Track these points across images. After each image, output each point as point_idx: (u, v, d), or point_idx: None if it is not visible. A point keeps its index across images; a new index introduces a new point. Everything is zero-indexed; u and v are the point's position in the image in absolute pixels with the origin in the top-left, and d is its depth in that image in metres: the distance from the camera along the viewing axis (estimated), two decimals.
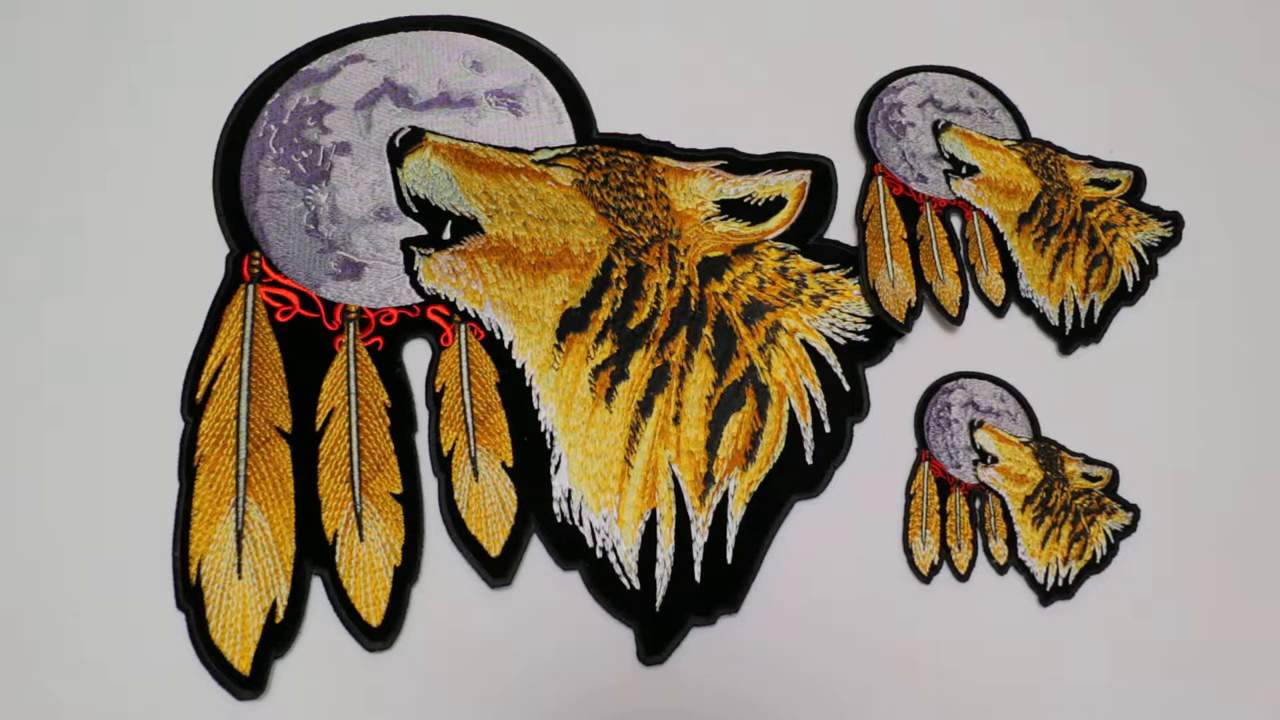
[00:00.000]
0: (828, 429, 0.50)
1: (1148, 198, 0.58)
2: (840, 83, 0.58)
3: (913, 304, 0.52)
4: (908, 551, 0.49)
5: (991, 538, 0.50)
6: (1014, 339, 0.54)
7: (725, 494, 0.48)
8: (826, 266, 0.52)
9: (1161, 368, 0.55)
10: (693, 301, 0.50)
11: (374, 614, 0.44)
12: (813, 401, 0.50)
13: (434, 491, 0.46)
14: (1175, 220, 0.58)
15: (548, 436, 0.47)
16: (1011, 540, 0.50)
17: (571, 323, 0.49)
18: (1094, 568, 0.50)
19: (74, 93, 0.53)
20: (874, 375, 0.51)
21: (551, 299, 0.49)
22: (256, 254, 0.49)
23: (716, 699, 0.45)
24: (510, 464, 0.47)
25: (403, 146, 0.51)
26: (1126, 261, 0.56)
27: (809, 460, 0.49)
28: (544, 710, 0.44)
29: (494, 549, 0.45)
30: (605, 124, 0.54)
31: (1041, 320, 0.54)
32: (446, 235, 0.50)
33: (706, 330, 0.50)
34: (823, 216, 0.53)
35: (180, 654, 0.42)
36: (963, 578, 0.49)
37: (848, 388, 0.50)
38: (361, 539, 0.45)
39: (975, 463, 0.51)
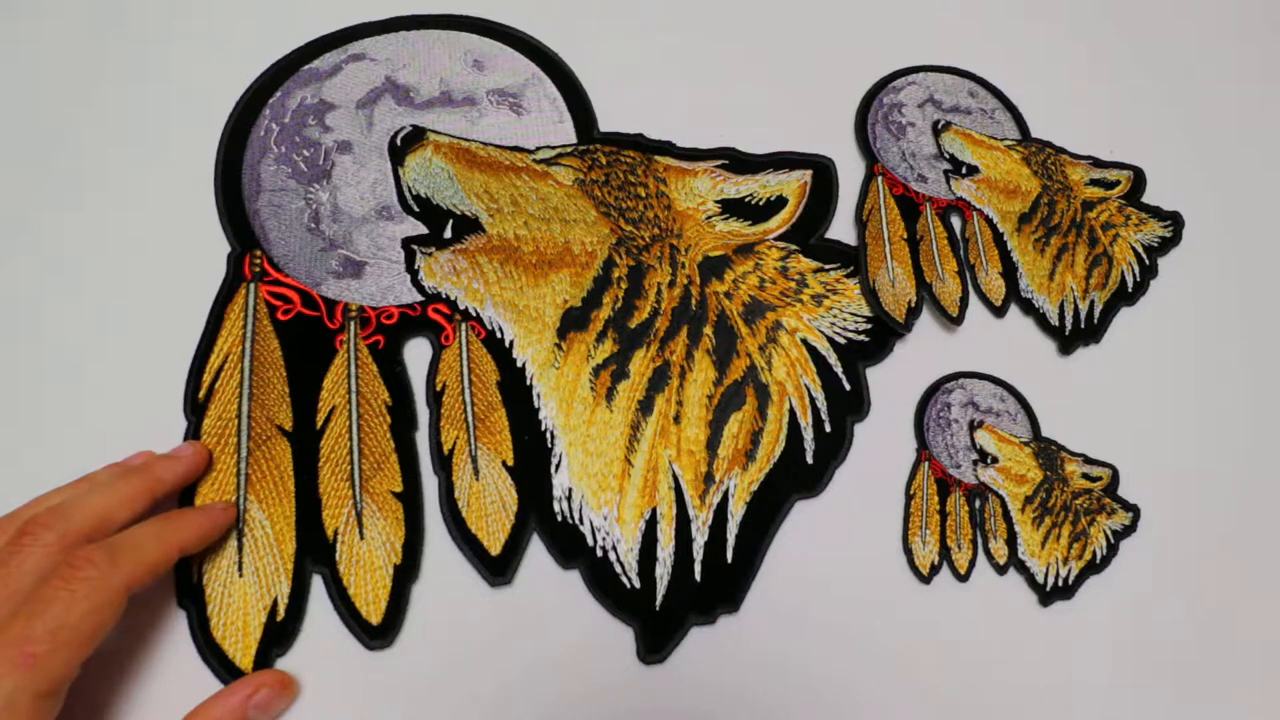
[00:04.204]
0: (828, 428, 0.50)
1: (1148, 198, 0.58)
2: (840, 83, 0.58)
3: (913, 304, 0.52)
4: (908, 551, 0.49)
5: (991, 538, 0.50)
6: (1014, 339, 0.54)
7: (726, 493, 0.48)
8: (827, 266, 0.52)
9: (1161, 368, 0.55)
10: (693, 301, 0.50)
11: (374, 612, 0.44)
12: (813, 401, 0.50)
13: (434, 490, 0.46)
14: (1175, 220, 0.58)
15: (548, 435, 0.47)
16: (1011, 540, 0.50)
17: (572, 322, 0.49)
18: (1094, 568, 0.50)
19: (74, 93, 0.53)
20: (874, 375, 0.51)
21: (552, 298, 0.49)
22: (258, 252, 0.49)
23: (716, 699, 0.45)
24: (511, 463, 0.47)
25: (404, 145, 0.51)
26: (1126, 261, 0.56)
27: (809, 460, 0.49)
28: (544, 709, 0.44)
29: (494, 548, 0.45)
30: (606, 123, 0.54)
31: (1041, 320, 0.54)
32: (448, 234, 0.50)
33: (707, 329, 0.50)
34: (823, 216, 0.54)
35: (182, 652, 0.43)
36: (963, 578, 0.49)
37: (848, 387, 0.51)
38: (362, 537, 0.45)
39: (975, 463, 0.51)
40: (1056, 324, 0.54)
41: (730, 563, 0.47)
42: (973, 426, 0.51)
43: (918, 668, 0.47)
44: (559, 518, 0.46)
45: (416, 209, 0.51)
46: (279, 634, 0.43)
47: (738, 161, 0.54)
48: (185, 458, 0.44)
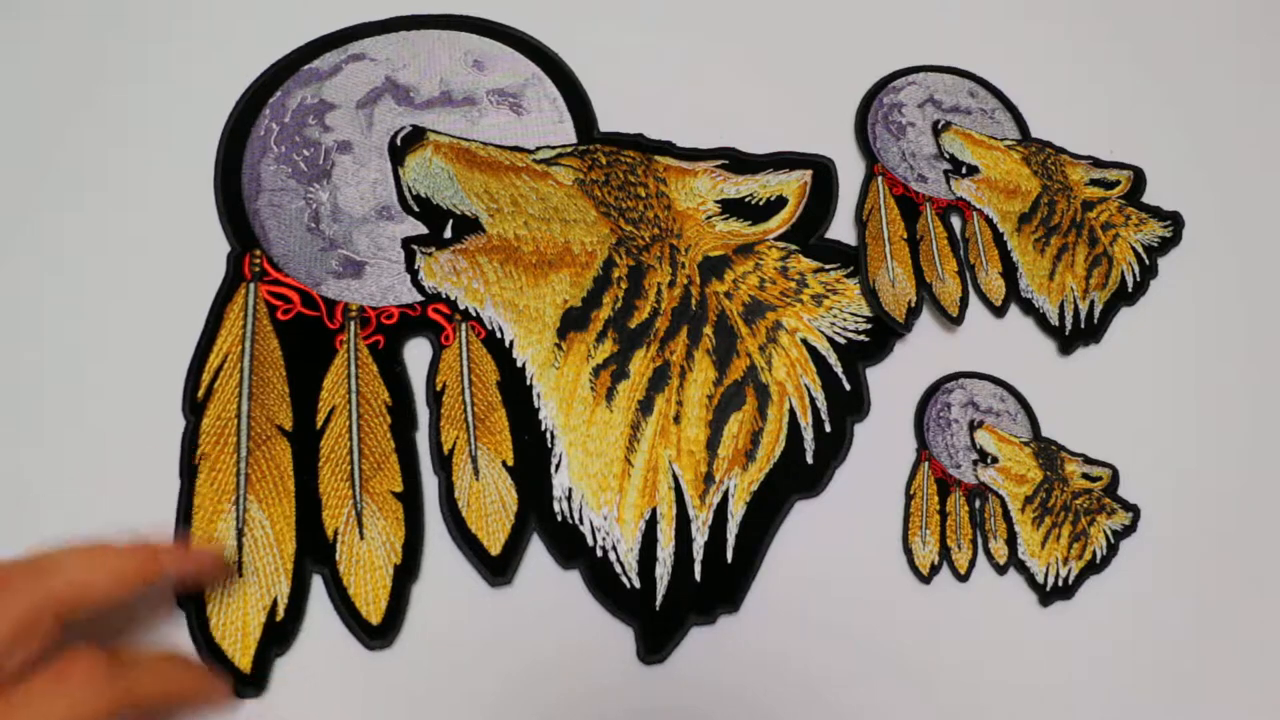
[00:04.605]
0: (828, 428, 0.50)
1: (1148, 198, 0.58)
2: (840, 83, 0.58)
3: (913, 304, 0.52)
4: (908, 551, 0.49)
5: (991, 538, 0.50)
6: (1014, 339, 0.54)
7: (725, 493, 0.48)
8: (827, 266, 0.52)
9: (1161, 368, 0.55)
10: (693, 301, 0.50)
11: (374, 612, 0.44)
12: (813, 401, 0.50)
13: (434, 490, 0.46)
14: (1175, 220, 0.58)
15: (548, 435, 0.47)
16: (1011, 540, 0.50)
17: (572, 322, 0.49)
18: (1094, 568, 0.50)
19: (74, 93, 0.53)
20: (874, 375, 0.51)
21: (552, 298, 0.49)
22: (258, 252, 0.49)
23: (716, 699, 0.45)
24: (511, 463, 0.47)
25: (404, 145, 0.51)
26: (1126, 261, 0.56)
27: (809, 460, 0.49)
28: (544, 709, 0.44)
29: (494, 548, 0.45)
30: (606, 123, 0.54)
31: (1041, 320, 0.54)
32: (448, 234, 0.50)
33: (707, 329, 0.50)
34: (823, 216, 0.54)
35: (181, 652, 0.42)
36: (963, 578, 0.49)
37: (848, 387, 0.51)
38: (362, 537, 0.45)
39: (975, 463, 0.51)
40: (1056, 324, 0.54)
41: (730, 563, 0.47)
42: (973, 426, 0.51)
43: (918, 668, 0.47)
44: (559, 518, 0.46)
45: (416, 209, 0.51)
46: (279, 634, 0.43)
47: (738, 161, 0.54)
48: (198, 557, 0.41)
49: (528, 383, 0.48)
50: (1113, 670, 0.48)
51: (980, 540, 0.50)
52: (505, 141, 0.53)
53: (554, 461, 0.47)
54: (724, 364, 0.49)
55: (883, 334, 0.52)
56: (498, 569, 0.45)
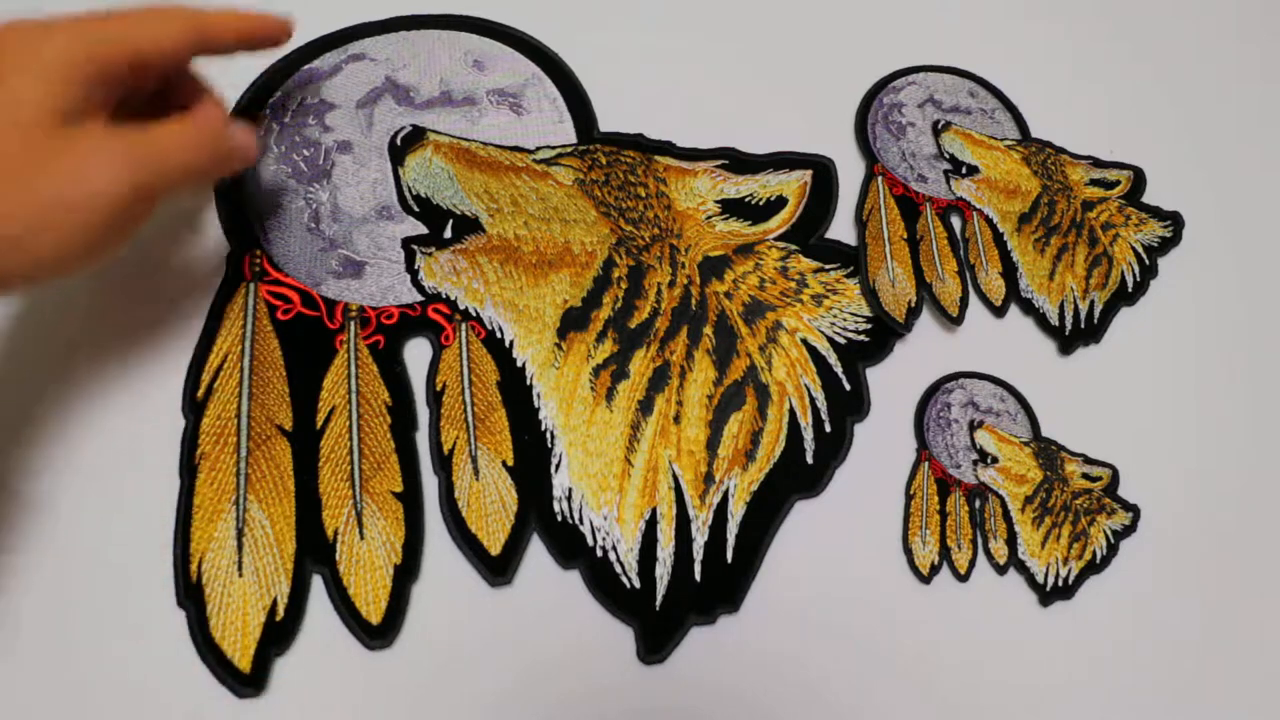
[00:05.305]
0: (828, 428, 0.50)
1: (1148, 198, 0.58)
2: (840, 83, 0.58)
3: (913, 304, 0.52)
4: (908, 551, 0.49)
5: (991, 538, 0.50)
6: (1014, 339, 0.54)
7: (726, 493, 0.48)
8: (827, 266, 0.52)
9: (1161, 368, 0.55)
10: (694, 301, 0.50)
11: (374, 612, 0.44)
12: (813, 401, 0.50)
13: (434, 490, 0.46)
14: (1175, 220, 0.58)
15: (548, 435, 0.47)
16: (1011, 540, 0.50)
17: (572, 322, 0.49)
18: (1094, 568, 0.50)
19: None
20: (874, 375, 0.51)
21: (552, 298, 0.49)
22: (258, 252, 0.49)
23: (716, 699, 0.45)
24: (511, 463, 0.47)
25: (404, 145, 0.51)
26: (1126, 261, 0.56)
27: (809, 460, 0.49)
28: (544, 709, 0.44)
29: (494, 548, 0.45)
30: (606, 123, 0.54)
31: (1041, 320, 0.54)
32: (448, 234, 0.50)
33: (707, 329, 0.50)
34: (823, 216, 0.54)
35: (181, 652, 0.42)
36: (963, 578, 0.49)
37: (848, 387, 0.51)
38: (362, 537, 0.45)
39: (975, 463, 0.51)
40: (1056, 324, 0.54)
41: (730, 563, 0.47)
42: (973, 426, 0.51)
43: (918, 668, 0.47)
44: (559, 518, 0.46)
45: (416, 209, 0.51)
46: (278, 634, 0.43)
47: (738, 161, 0.54)
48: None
49: (528, 383, 0.48)
50: (1113, 670, 0.48)
51: (980, 540, 0.50)
52: (505, 141, 0.53)
53: (554, 461, 0.47)
54: (724, 364, 0.49)
55: (883, 334, 0.52)
56: (498, 569, 0.45)
